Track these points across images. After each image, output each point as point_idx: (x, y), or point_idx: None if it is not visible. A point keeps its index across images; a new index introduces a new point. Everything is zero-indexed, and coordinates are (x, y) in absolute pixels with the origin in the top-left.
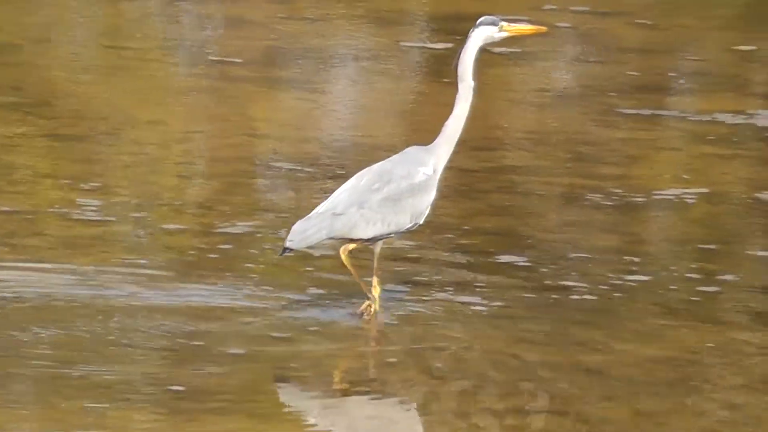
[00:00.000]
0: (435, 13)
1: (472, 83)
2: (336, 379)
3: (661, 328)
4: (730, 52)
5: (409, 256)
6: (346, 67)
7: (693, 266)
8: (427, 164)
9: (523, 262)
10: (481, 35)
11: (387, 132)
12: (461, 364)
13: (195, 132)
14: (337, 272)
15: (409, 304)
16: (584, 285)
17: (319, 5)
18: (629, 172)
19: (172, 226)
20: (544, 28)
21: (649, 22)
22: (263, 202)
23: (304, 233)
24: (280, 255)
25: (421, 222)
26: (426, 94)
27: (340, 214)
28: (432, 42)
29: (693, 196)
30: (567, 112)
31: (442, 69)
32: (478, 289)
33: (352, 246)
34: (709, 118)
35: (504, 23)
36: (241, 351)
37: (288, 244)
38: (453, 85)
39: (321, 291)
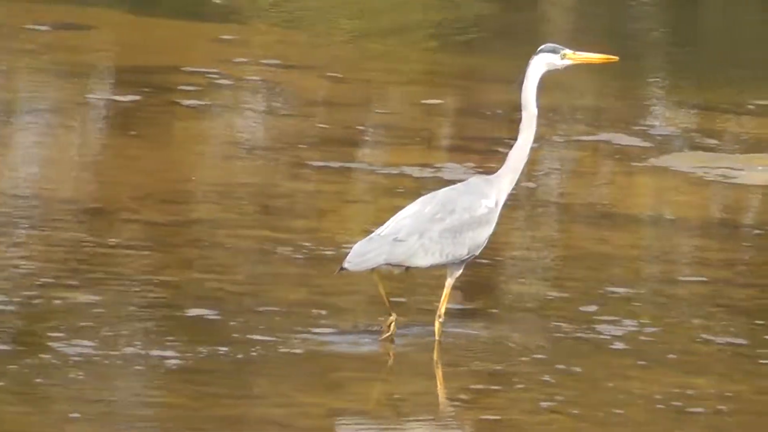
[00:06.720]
0: (121, 66)
1: (534, 112)
2: None
3: (349, 381)
4: (416, 106)
5: (95, 311)
6: (30, 120)
7: (381, 318)
8: (490, 196)
9: (213, 315)
10: (540, 62)
11: (71, 185)
12: (155, 420)
13: None
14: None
15: (97, 358)
16: (272, 338)
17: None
18: (319, 225)
19: None
20: (615, 58)
21: (337, 75)
22: None
23: (363, 256)
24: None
25: (478, 254)
26: (112, 146)
27: (401, 241)
28: (118, 95)
29: None
30: (256, 165)
31: (129, 122)
32: (169, 343)
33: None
34: (397, 171)
35: (568, 51)
36: None
37: (346, 264)
38: (139, 138)
39: (60, 342)
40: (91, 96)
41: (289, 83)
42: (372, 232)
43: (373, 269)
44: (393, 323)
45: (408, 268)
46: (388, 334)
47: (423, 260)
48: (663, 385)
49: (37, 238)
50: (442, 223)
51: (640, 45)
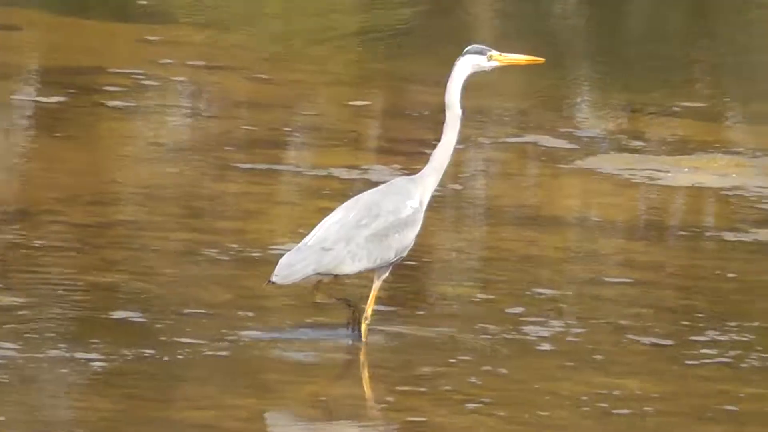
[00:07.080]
0: (47, 67)
1: (459, 112)
2: None
3: (275, 383)
4: (343, 107)
5: (20, 313)
6: None
7: (308, 321)
8: (414, 196)
9: (138, 318)
10: (466, 63)
11: None
12: (80, 423)
13: None
14: None
15: (20, 360)
16: (198, 341)
17: None
18: (245, 226)
19: None
20: (541, 59)
21: (263, 77)
22: None
23: (291, 267)
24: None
25: (405, 255)
26: (37, 148)
27: (328, 249)
28: (43, 96)
29: None
30: (182, 167)
31: (54, 123)
32: (94, 346)
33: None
34: (324, 173)
35: (494, 53)
36: None
37: (274, 278)
38: (64, 139)
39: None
40: (15, 97)
41: (216, 84)
42: (299, 234)
43: (315, 291)
44: (354, 312)
45: (337, 275)
46: (353, 325)
47: (351, 267)
48: (589, 386)
49: None
50: (367, 228)
51: (567, 46)
